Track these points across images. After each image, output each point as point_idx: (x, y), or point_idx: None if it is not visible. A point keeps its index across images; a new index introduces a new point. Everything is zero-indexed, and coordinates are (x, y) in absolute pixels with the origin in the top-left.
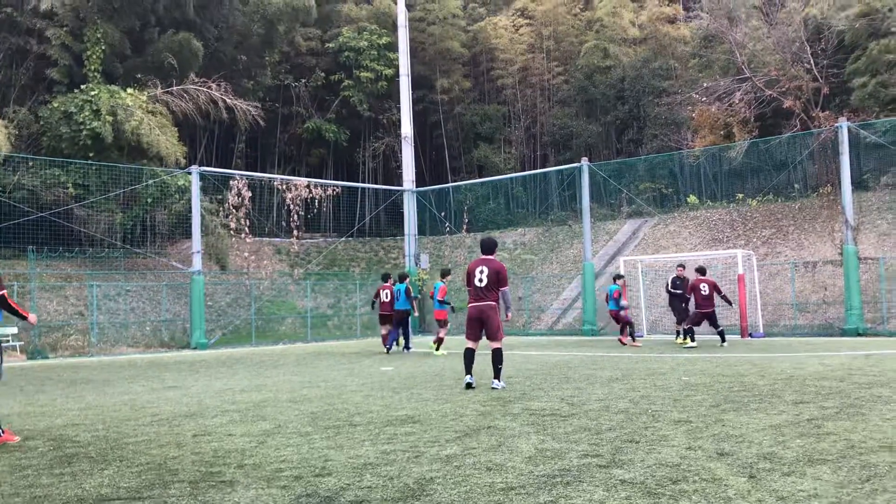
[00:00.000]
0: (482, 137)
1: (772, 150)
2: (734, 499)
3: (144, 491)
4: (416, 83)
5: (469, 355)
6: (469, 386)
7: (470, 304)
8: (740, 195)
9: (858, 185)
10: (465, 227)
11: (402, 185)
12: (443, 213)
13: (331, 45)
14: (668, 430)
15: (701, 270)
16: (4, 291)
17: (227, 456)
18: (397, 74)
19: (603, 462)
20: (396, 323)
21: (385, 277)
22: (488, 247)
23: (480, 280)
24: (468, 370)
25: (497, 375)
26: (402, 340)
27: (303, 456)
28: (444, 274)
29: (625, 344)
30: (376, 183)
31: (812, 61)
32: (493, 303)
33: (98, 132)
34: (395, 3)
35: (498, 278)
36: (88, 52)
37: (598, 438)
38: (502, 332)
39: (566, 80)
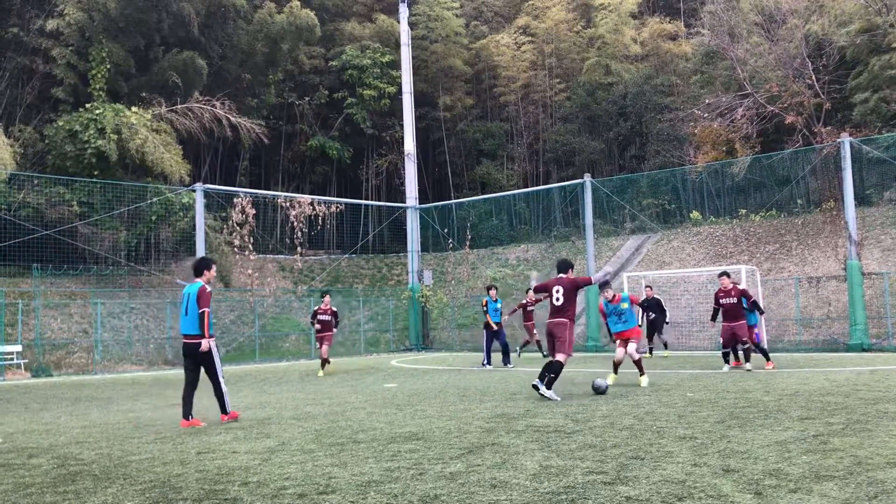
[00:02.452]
0: (485, 154)
1: (774, 165)
2: None
3: None
4: (419, 100)
5: (545, 365)
6: (535, 388)
7: (547, 320)
8: (743, 211)
9: (861, 200)
10: (467, 243)
11: (405, 202)
12: (445, 230)
13: (334, 63)
14: (674, 447)
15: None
16: (208, 309)
17: (232, 473)
18: (400, 92)
19: (608, 479)
20: (488, 336)
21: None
22: (561, 267)
23: (557, 299)
24: (540, 374)
25: (547, 383)
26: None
27: (307, 473)
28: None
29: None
30: (379, 200)
31: (813, 77)
32: (565, 320)
33: (103, 150)
34: (398, 22)
35: (574, 292)
36: (93, 72)
37: (603, 455)
38: (569, 349)
39: (568, 96)
